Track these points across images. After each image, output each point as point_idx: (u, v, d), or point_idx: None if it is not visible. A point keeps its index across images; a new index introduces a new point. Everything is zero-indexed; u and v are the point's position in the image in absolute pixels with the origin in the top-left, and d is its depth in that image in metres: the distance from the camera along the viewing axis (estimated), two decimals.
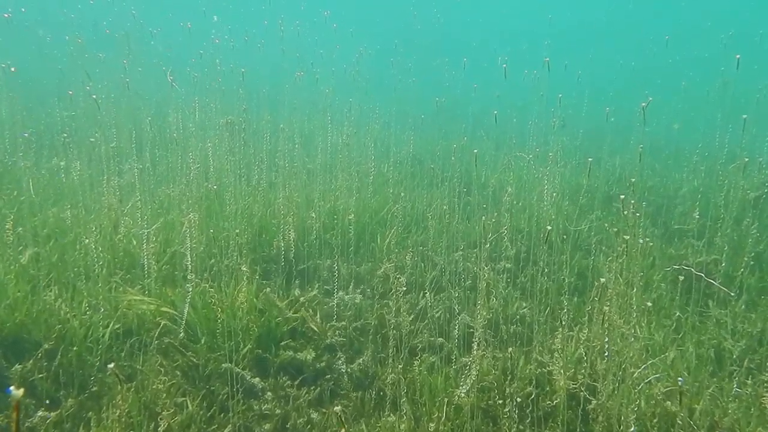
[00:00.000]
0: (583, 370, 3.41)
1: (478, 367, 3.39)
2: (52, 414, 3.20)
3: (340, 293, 5.10)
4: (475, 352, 3.42)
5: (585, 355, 3.46)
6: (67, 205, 6.37)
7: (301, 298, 4.80)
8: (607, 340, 2.69)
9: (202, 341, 4.21)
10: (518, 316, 4.63)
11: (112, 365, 1.77)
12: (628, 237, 2.55)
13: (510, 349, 3.94)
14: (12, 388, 0.93)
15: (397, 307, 4.86)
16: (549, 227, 3.34)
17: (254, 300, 4.52)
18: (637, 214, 2.88)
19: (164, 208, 6.43)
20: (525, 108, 10.07)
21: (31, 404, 3.35)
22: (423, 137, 10.74)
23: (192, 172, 5.57)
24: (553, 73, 6.37)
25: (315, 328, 4.49)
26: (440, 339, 4.33)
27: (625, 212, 2.93)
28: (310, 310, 4.70)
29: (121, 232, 5.64)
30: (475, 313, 4.67)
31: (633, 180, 3.57)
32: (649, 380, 3.06)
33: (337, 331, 4.49)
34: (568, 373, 3.35)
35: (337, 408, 3.32)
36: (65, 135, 6.75)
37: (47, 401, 3.46)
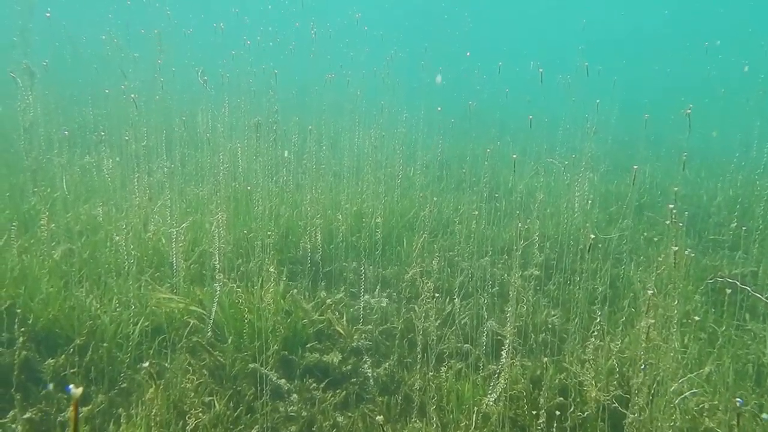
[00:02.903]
0: (615, 382, 3.33)
1: (507, 375, 3.33)
2: (84, 409, 3.23)
3: (366, 296, 5.08)
4: (504, 359, 3.36)
5: (617, 367, 3.38)
6: (98, 202, 6.47)
7: (327, 300, 4.79)
8: (643, 353, 2.62)
9: (229, 341, 4.23)
10: (547, 325, 4.55)
11: (146, 364, 1.77)
12: (676, 248, 2.48)
13: (540, 357, 3.87)
14: (72, 386, 0.93)
15: (423, 312, 4.82)
16: (592, 236, 3.27)
17: (281, 301, 4.53)
18: (681, 225, 2.81)
19: (193, 207, 6.49)
20: (556, 113, 9.97)
21: (63, 399, 3.39)
22: (450, 141, 10.68)
23: (222, 173, 5.60)
24: (586, 79, 6.28)
25: (341, 331, 4.48)
26: (467, 345, 4.27)
27: (668, 222, 2.85)
28: (336, 313, 4.69)
29: (150, 230, 5.70)
30: (503, 320, 4.61)
31: (676, 189, 3.48)
32: (685, 395, 2.97)
33: (363, 335, 4.47)
34: (599, 385, 3.28)
35: (380, 417, 3.29)
36: (98, 133, 6.88)
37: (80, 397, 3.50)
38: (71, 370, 3.64)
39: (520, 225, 3.84)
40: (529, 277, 5.51)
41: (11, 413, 3.18)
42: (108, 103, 7.58)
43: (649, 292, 2.49)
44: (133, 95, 5.14)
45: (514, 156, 5.41)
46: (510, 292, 3.59)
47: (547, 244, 5.78)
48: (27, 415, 3.12)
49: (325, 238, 5.95)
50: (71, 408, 0.98)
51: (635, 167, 3.91)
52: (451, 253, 5.91)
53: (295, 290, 4.69)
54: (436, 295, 4.51)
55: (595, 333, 3.30)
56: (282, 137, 7.09)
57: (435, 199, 7.51)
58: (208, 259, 5.49)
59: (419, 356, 4.00)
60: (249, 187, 6.39)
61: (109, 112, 7.50)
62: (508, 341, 3.36)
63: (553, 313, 4.78)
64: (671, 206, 2.79)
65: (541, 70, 4.91)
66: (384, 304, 4.99)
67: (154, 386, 3.21)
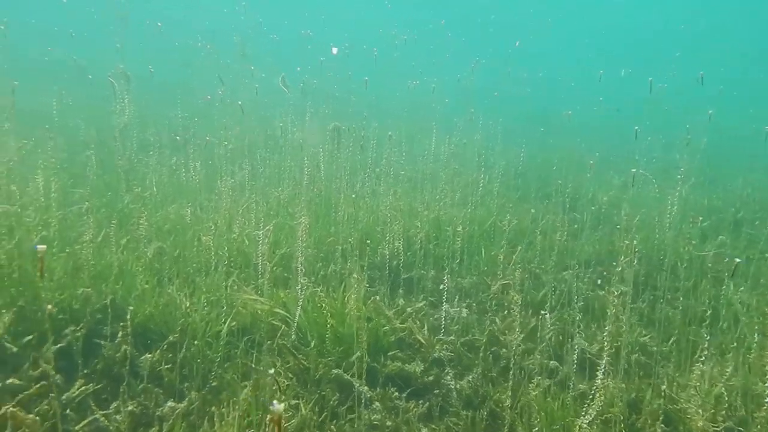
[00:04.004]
0: (723, 412, 3.12)
1: (602, 397, 3.19)
2: (179, 406, 3.34)
3: (445, 306, 5.03)
4: (599, 381, 3.21)
5: (725, 395, 3.16)
6: (185, 202, 6.73)
7: (408, 309, 4.76)
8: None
9: (312, 345, 4.27)
10: (640, 345, 4.34)
11: (272, 371, 1.78)
12: None
13: (634, 379, 3.69)
14: (275, 402, 0.93)
15: (507, 325, 4.71)
16: (737, 260, 3.08)
17: (363, 307, 4.54)
18: None
19: (274, 210, 6.63)
20: (644, 122, 9.56)
21: (159, 394, 3.52)
22: (530, 149, 10.44)
23: (305, 177, 5.70)
24: (673, 84, 5.98)
25: (422, 341, 4.44)
26: (554, 362, 4.13)
27: None
28: (417, 322, 4.65)
29: (235, 231, 5.86)
30: (593, 338, 4.44)
31: None
32: None
33: (445, 345, 4.41)
34: (705, 414, 3.08)
35: None
36: (179, 136, 7.17)
37: (173, 392, 3.62)
38: (166, 366, 3.77)
39: (614, 239, 3.66)
40: (618, 293, 5.28)
41: (114, 404, 3.33)
42: (197, 107, 7.90)
43: None
44: (240, 102, 5.32)
45: (591, 162, 5.22)
46: (608, 310, 3.44)
47: (635, 260, 5.53)
48: (129, 408, 3.25)
49: (402, 244, 5.94)
50: (273, 424, 0.98)
51: None
52: (531, 265, 5.75)
53: (378, 297, 4.68)
54: (518, 307, 4.38)
55: (702, 357, 3.10)
56: (361, 142, 7.14)
57: (509, 207, 7.36)
58: (289, 261, 5.60)
59: (504, 371, 3.90)
60: (328, 192, 6.47)
61: (199, 115, 7.81)
62: (604, 361, 3.22)
63: (645, 332, 4.56)
64: None
65: (652, 80, 4.69)
66: (464, 315, 4.91)
67: (248, 387, 3.27)
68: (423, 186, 6.81)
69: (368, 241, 6.19)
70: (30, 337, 3.64)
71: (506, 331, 4.63)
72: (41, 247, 2.01)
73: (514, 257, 6.10)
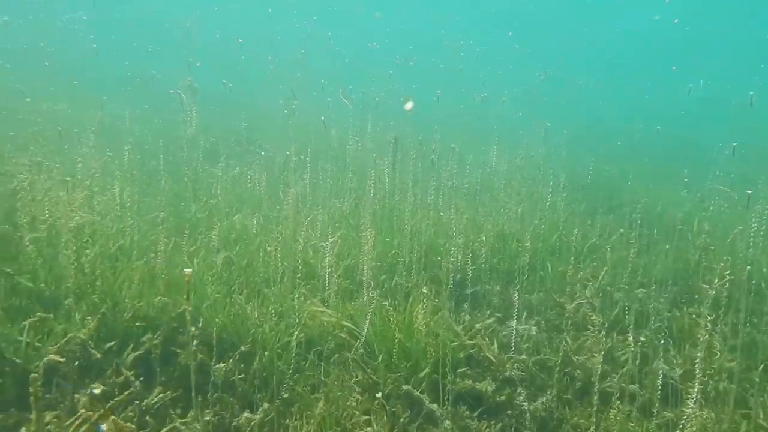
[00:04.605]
0: None
1: (693, 427, 3.02)
2: (256, 417, 3.35)
3: (512, 322, 4.91)
4: (690, 409, 3.04)
5: None
6: (249, 212, 6.85)
7: (476, 325, 4.67)
8: None
9: (380, 359, 4.23)
10: (726, 371, 4.10)
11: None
12: None
13: (722, 408, 3.48)
14: None
15: (579, 345, 4.55)
16: None
17: (431, 322, 4.47)
18: None
19: (336, 221, 6.66)
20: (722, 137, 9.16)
21: (234, 404, 3.55)
22: (595, 161, 10.17)
23: (370, 188, 5.70)
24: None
25: (492, 358, 4.33)
26: (633, 386, 3.95)
27: None
28: (486, 339, 4.55)
29: (300, 242, 5.91)
30: (674, 361, 4.23)
31: None
32: None
33: (516, 364, 4.28)
34: None
35: None
36: (242, 146, 7.33)
37: (245, 403, 3.65)
38: (239, 376, 3.81)
39: (689, 256, 3.48)
40: (694, 314, 5.04)
41: (190, 413, 3.37)
42: (262, 119, 8.05)
43: None
44: (323, 117, 5.40)
45: (656, 175, 5.00)
46: (695, 334, 3.26)
47: (716, 280, 5.26)
48: (207, 417, 3.28)
49: (465, 258, 5.84)
50: None
51: None
52: (602, 282, 5.55)
53: (447, 312, 4.61)
54: (598, 327, 4.21)
55: None
56: (423, 155, 7.11)
57: (574, 221, 7.16)
58: (353, 273, 5.60)
59: (580, 393, 3.76)
60: (390, 203, 6.46)
61: (263, 126, 7.97)
62: (696, 388, 3.05)
63: (730, 357, 4.31)
64: None
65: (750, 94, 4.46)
66: (533, 333, 4.78)
67: (323, 401, 3.26)
68: (486, 198, 6.71)
69: (430, 255, 6.13)
70: (112, 343, 3.75)
71: (579, 352, 4.47)
72: (187, 270, 2.07)
73: (581, 273, 5.92)
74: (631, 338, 3.93)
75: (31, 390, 2.00)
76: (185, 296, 2.22)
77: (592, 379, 3.91)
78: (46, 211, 4.53)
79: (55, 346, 3.45)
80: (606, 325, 4.81)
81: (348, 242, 6.08)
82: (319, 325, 4.54)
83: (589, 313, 4.14)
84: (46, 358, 2.84)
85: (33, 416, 2.33)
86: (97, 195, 5.35)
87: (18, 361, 3.31)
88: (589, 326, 4.01)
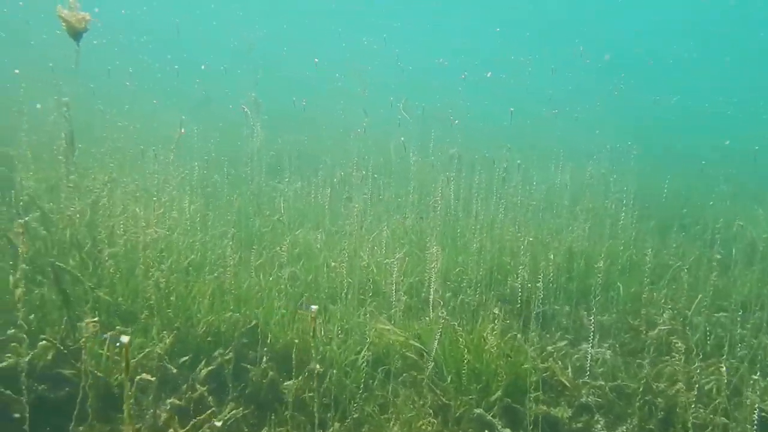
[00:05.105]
0: None
1: None
2: None
3: (590, 347, 4.72)
4: None
5: None
6: (311, 227, 6.90)
7: (549, 347, 4.50)
8: None
9: (448, 380, 4.14)
10: None
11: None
12: None
13: None
14: None
15: (658, 371, 4.32)
16: None
17: (501, 343, 4.34)
18: None
19: (403, 238, 6.61)
20: None
21: (307, 423, 3.52)
22: (665, 177, 9.78)
23: (437, 204, 5.63)
24: None
25: (566, 383, 4.16)
26: (722, 418, 3.71)
27: None
28: (559, 362, 4.38)
29: (363, 258, 5.89)
30: (757, 390, 3.94)
31: None
32: None
33: (592, 390, 4.10)
34: None
35: None
36: (303, 161, 7.40)
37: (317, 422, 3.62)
38: (309, 394, 3.79)
39: None
40: None
41: (264, 431, 3.37)
42: (327, 135, 8.13)
43: None
44: (402, 138, 5.41)
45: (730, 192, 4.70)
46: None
47: None
48: None
49: (532, 277, 5.68)
50: None
51: None
52: (678, 304, 5.28)
53: (519, 333, 4.47)
54: (682, 354, 3.98)
55: None
56: (487, 170, 6.99)
57: (642, 239, 6.88)
58: (418, 290, 5.52)
59: (664, 424, 3.55)
60: (453, 220, 6.36)
61: (327, 142, 8.04)
62: None
63: None
64: None
65: None
66: (608, 357, 4.57)
67: (395, 423, 3.19)
68: (552, 215, 6.53)
69: (495, 273, 5.98)
70: (186, 358, 3.80)
71: (659, 378, 4.24)
72: (314, 307, 2.09)
73: (655, 295, 5.65)
74: (723, 367, 3.69)
75: (124, 407, 2.02)
76: (311, 333, 2.21)
77: (677, 409, 3.70)
78: (122, 226, 4.67)
79: (134, 360, 3.53)
80: (689, 352, 4.56)
81: (412, 259, 6.01)
82: (386, 343, 4.48)
83: (673, 339, 3.92)
84: (138, 377, 2.89)
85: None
86: (169, 210, 5.49)
87: (99, 374, 3.39)
88: (672, 352, 3.79)
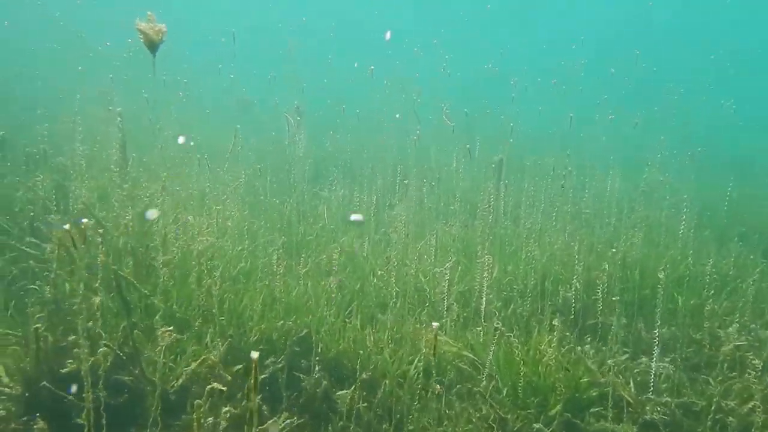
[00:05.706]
0: None
1: None
2: None
3: (646, 359, 4.53)
4: None
5: None
6: (355, 234, 6.85)
7: (609, 361, 4.33)
8: None
9: (504, 393, 4.01)
10: None
11: None
12: None
13: None
14: None
15: (726, 388, 4.10)
16: None
17: (559, 356, 4.19)
18: None
19: (448, 246, 6.50)
20: None
21: None
22: (721, 184, 9.40)
23: (489, 212, 5.51)
24: None
25: (629, 399, 3.98)
26: None
27: None
28: (620, 377, 4.20)
29: (411, 266, 5.80)
30: None
31: None
32: None
33: (657, 407, 3.91)
34: None
35: None
36: (345, 168, 7.36)
37: None
38: (363, 404, 3.71)
39: None
40: None
41: None
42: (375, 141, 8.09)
43: None
44: (467, 145, 5.34)
45: None
46: None
47: None
48: None
49: (584, 287, 5.50)
50: None
51: None
52: (744, 318, 5.03)
53: (578, 346, 4.32)
54: (755, 372, 3.76)
55: None
56: (528, 177, 6.84)
57: (705, 247, 6.61)
58: (467, 300, 5.40)
59: None
60: (502, 228, 6.23)
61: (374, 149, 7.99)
62: None
63: None
64: None
65: None
66: (671, 372, 4.36)
67: None
68: (605, 224, 6.33)
69: (546, 283, 5.81)
70: (239, 366, 3.78)
71: (728, 396, 4.02)
72: (435, 324, 2.03)
73: (716, 307, 5.40)
74: None
75: (194, 416, 1.98)
76: (432, 352, 2.17)
77: (753, 430, 3.49)
78: (174, 234, 4.70)
79: (190, 368, 3.52)
80: (749, 367, 4.32)
81: (460, 267, 5.90)
82: (438, 353, 4.38)
83: (748, 355, 3.71)
84: (208, 387, 2.87)
85: None
86: (218, 218, 5.52)
87: (156, 380, 3.38)
88: (746, 369, 3.59)
